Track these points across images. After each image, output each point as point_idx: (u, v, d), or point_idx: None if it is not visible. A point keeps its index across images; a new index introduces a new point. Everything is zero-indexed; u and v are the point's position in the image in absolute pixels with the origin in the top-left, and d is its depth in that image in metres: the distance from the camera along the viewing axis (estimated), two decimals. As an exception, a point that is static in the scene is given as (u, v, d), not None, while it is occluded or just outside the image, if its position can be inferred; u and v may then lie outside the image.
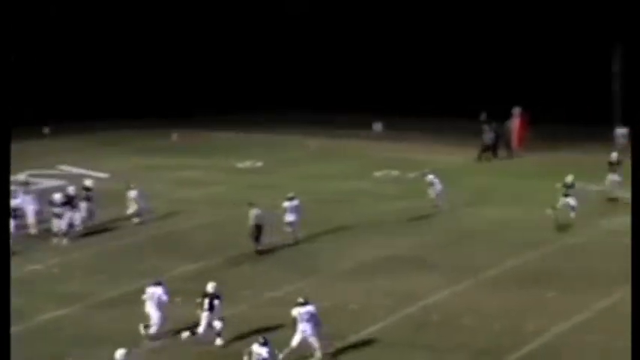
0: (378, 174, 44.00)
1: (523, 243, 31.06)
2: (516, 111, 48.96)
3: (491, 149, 47.89)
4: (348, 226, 32.84)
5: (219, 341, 22.63)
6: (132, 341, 22.10)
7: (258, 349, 20.05)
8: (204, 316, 22.58)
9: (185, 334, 22.72)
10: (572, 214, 33.84)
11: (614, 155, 38.78)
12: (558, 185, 34.40)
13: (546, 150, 47.41)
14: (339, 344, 22.47)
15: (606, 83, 52.76)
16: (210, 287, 22.74)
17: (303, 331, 21.44)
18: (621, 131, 47.51)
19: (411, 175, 43.36)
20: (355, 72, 63.50)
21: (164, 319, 23.19)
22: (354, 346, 22.71)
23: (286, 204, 31.66)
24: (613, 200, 36.68)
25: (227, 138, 53.90)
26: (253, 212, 30.51)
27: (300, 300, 21.75)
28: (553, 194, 38.73)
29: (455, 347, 22.43)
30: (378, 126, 57.61)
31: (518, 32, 61.29)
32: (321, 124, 57.05)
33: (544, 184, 40.69)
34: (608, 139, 48.12)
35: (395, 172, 44.20)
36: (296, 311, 21.59)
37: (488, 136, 47.98)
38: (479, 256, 29.88)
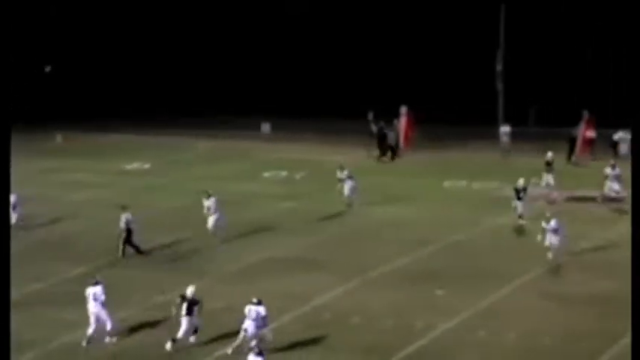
0: (267, 175, 44.01)
1: (412, 241, 31.38)
2: (403, 110, 49.45)
3: (394, 149, 48.05)
4: (238, 227, 32.68)
5: (192, 339, 22.71)
6: (30, 345, 22.04)
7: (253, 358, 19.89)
8: (184, 321, 22.34)
9: (168, 345, 22.30)
10: (522, 222, 33.35)
11: (550, 155, 38.97)
12: (512, 189, 34.27)
13: (433, 149, 48.06)
14: (229, 346, 22.36)
15: (490, 82, 53.77)
16: (189, 292, 22.58)
17: (245, 329, 21.80)
18: (505, 129, 48.47)
19: (298, 175, 43.53)
20: (243, 74, 63.39)
21: (110, 316, 23.07)
22: (245, 348, 22.61)
23: (206, 203, 31.96)
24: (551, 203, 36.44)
25: (114, 140, 53.23)
26: (124, 216, 30.36)
27: (254, 300, 22.10)
28: (442, 193, 39.46)
29: (345, 346, 22.51)
30: (266, 127, 57.60)
31: (404, 32, 62.04)
32: (211, 125, 56.77)
33: (432, 183, 41.38)
34: (493, 138, 49.06)
35: (283, 173, 44.27)
36: (247, 308, 21.98)
37: (391, 136, 48.17)
38: (368, 255, 30.06)
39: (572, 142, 46.74)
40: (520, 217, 33.31)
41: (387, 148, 48.35)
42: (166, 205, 37.75)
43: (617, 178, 36.42)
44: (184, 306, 22.43)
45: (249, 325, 21.84)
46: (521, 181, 33.91)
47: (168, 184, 41.83)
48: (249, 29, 64.59)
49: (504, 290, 26.11)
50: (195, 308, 22.48)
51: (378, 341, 22.73)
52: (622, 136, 46.84)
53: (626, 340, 22.16)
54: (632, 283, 16.73)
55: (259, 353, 19.84)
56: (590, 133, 47.07)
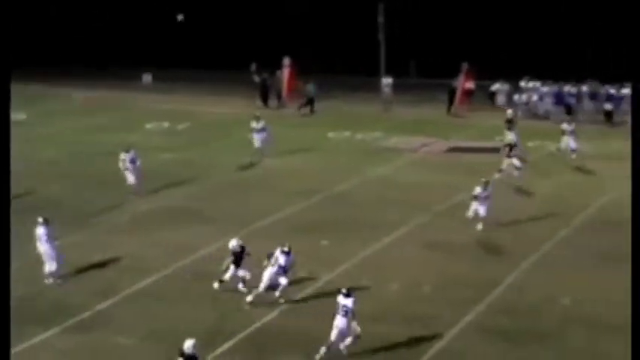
0: (149, 126, 43.55)
1: (297, 192, 31.55)
2: (286, 61, 49.40)
3: (310, 103, 47.71)
4: (121, 178, 32.30)
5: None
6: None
7: (344, 300, 19.68)
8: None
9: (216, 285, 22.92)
10: (517, 173, 32.84)
11: (510, 112, 38.62)
12: (502, 146, 34.34)
13: (316, 100, 48.17)
14: (112, 298, 22.26)
15: (372, 34, 54.08)
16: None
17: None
18: (387, 81, 48.93)
19: (181, 126, 43.24)
20: (124, 24, 62.33)
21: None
22: (128, 299, 22.55)
23: (123, 156, 31.96)
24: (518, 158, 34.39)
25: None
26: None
27: (285, 249, 22.35)
28: (327, 143, 39.69)
29: (230, 297, 22.55)
30: (147, 78, 56.86)
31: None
32: (90, 76, 55.75)
33: (316, 133, 41.59)
34: (375, 89, 49.51)
35: (166, 124, 43.90)
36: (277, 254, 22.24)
37: (310, 90, 47.68)
38: (254, 205, 30.13)
39: (451, 93, 47.50)
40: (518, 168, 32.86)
41: (311, 102, 47.77)
42: (46, 155, 37.11)
43: (574, 134, 35.95)
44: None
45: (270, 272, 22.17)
46: (510, 136, 34.75)
47: (47, 135, 41.01)
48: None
49: (387, 240, 26.53)
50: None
51: (263, 292, 22.87)
52: (499, 87, 47.85)
53: (502, 288, 22.89)
54: (632, 282, 17.08)
55: (348, 294, 19.69)
56: (470, 85, 47.89)
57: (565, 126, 36.46)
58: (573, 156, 35.21)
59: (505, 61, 52.06)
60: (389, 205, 30.24)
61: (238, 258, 22.79)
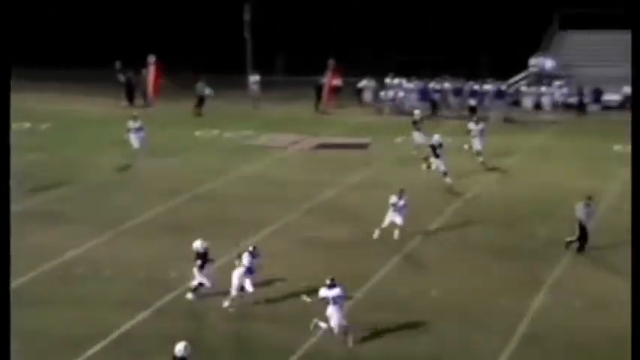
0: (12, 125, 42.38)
1: (165, 191, 31.15)
2: (151, 59, 48.74)
3: (200, 104, 46.75)
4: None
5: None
6: None
7: (330, 292, 19.82)
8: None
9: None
10: (448, 180, 31.73)
11: (417, 113, 37.31)
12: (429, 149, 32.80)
13: (183, 99, 47.75)
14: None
15: (239, 32, 53.91)
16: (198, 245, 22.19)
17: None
18: (254, 79, 48.85)
19: (43, 126, 42.25)
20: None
21: None
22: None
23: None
24: (426, 161, 32.92)
25: None
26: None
27: (251, 249, 21.96)
28: (194, 142, 39.35)
29: (99, 299, 22.13)
30: (8, 76, 55.24)
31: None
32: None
33: (184, 132, 41.19)
34: (242, 87, 49.36)
35: (27, 124, 42.78)
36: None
37: (201, 89, 46.59)
38: (121, 206, 29.63)
39: (319, 90, 47.73)
40: (445, 174, 31.53)
41: (202, 102, 46.97)
42: None
43: (481, 134, 34.77)
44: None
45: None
46: (436, 137, 32.22)
47: None
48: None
49: (257, 237, 26.41)
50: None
51: (132, 293, 22.50)
52: (366, 84, 48.35)
53: (372, 283, 23.05)
54: (632, 283, 17.16)
55: (333, 285, 19.84)
56: (337, 81, 48.21)
57: (471, 126, 35.27)
58: (480, 158, 34.42)
59: (371, 58, 52.63)
60: (259, 202, 30.16)
61: (203, 260, 22.12)
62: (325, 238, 26.51)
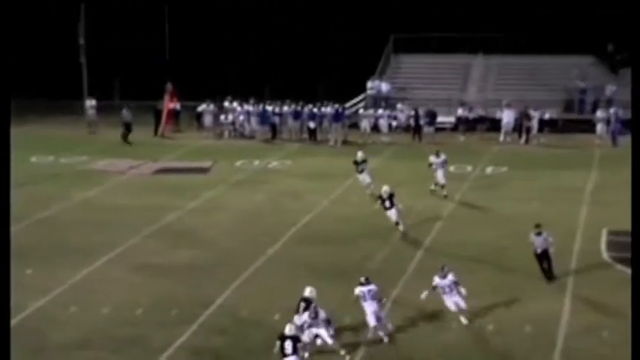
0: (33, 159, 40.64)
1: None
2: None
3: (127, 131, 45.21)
4: None
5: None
6: None
7: (365, 287, 20.81)
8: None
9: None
10: (368, 191, 32.54)
11: (360, 154, 33.69)
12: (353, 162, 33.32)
13: (16, 124, 46.34)
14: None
15: (74, 56, 53.01)
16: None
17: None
18: (91, 103, 48.08)
19: (34, 159, 40.65)
20: None
21: None
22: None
23: None
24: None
25: None
26: None
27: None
28: (30, 168, 38.29)
29: None
30: None
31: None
32: None
33: (18, 158, 39.55)
34: (78, 112, 48.45)
35: None
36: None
37: (127, 116, 45.23)
38: None
39: (157, 114, 47.30)
40: (369, 188, 32.55)
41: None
42: None
43: (443, 166, 33.07)
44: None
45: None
46: (360, 154, 33.43)
47: None
48: None
49: (96, 264, 25.91)
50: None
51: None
52: (205, 108, 48.17)
53: (213, 307, 22.86)
54: (632, 284, 17.06)
55: (367, 282, 20.93)
56: (174, 105, 47.90)
57: (432, 159, 33.22)
58: (444, 192, 32.79)
59: (209, 81, 52.59)
60: (97, 228, 29.58)
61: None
62: (166, 263, 26.18)
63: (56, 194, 33.94)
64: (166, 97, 47.53)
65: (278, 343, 18.71)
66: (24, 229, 29.42)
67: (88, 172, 38.18)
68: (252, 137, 46.32)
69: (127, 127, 45.12)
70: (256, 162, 39.91)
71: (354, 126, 47.05)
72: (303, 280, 24.10)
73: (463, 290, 21.42)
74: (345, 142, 44.72)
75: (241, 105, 47.07)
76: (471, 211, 31.55)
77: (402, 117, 46.86)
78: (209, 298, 23.35)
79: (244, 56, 57.65)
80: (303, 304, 20.29)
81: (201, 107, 48.27)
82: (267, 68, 56.29)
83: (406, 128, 46.62)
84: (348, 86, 50.56)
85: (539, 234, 24.12)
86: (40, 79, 55.11)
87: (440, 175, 33.05)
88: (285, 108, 46.64)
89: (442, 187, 33.08)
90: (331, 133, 45.24)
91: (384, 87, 50.81)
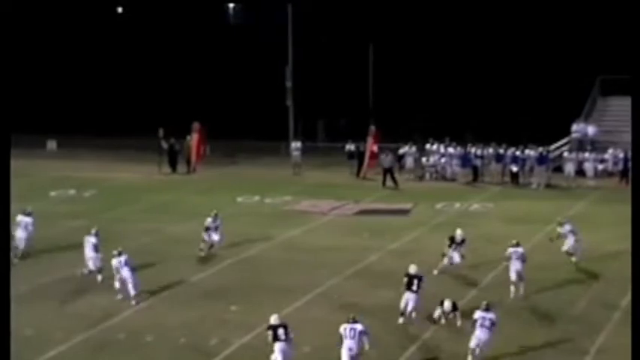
0: (53, 193, 42.80)
1: (205, 258, 31.16)
2: (195, 126, 49.25)
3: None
4: (25, 247, 31.48)
5: None
6: None
7: (484, 314, 21.56)
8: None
9: None
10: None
11: (459, 233, 29.40)
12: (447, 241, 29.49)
13: (225, 165, 48.08)
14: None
15: (281, 99, 54.42)
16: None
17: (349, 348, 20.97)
18: (296, 145, 49.16)
19: (87, 193, 42.63)
20: (26, 91, 61.57)
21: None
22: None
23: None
24: None
25: None
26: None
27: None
28: (236, 208, 39.43)
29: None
30: (52, 144, 56.11)
31: (193, 48, 61.92)
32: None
33: (225, 198, 41.33)
34: (284, 153, 49.58)
35: (72, 191, 43.21)
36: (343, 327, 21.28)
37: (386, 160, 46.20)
38: (160, 272, 29.59)
39: (360, 156, 47.82)
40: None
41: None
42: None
43: (573, 234, 29.53)
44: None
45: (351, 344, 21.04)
46: (459, 232, 29.28)
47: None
48: (30, 47, 62.84)
49: (298, 303, 26.30)
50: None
51: (173, 358, 22.44)
52: (407, 150, 48.34)
53: (415, 347, 22.79)
54: (633, 285, 17.07)
55: (488, 309, 21.62)
56: (375, 147, 48.30)
57: (559, 229, 29.89)
58: (573, 259, 29.36)
59: (411, 124, 52.85)
60: (299, 268, 30.08)
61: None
62: (365, 303, 26.31)
63: (260, 234, 34.73)
64: (370, 139, 47.98)
65: (270, 332, 20.25)
66: (227, 268, 30.29)
67: (291, 212, 38.93)
68: (453, 180, 46.12)
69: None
70: (457, 204, 39.69)
71: (558, 169, 46.11)
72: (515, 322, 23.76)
73: None
74: (548, 186, 43.88)
75: (443, 147, 47.02)
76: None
77: (610, 160, 45.64)
78: (410, 338, 23.31)
79: (447, 98, 57.67)
80: None
81: (403, 149, 48.47)
82: (470, 110, 56.07)
83: (611, 173, 45.32)
84: (552, 129, 49.66)
85: None
86: (249, 121, 56.85)
87: (569, 242, 29.40)
88: (488, 150, 46.24)
89: (570, 254, 29.41)
90: (534, 177, 44.52)
91: (591, 130, 49.61)
